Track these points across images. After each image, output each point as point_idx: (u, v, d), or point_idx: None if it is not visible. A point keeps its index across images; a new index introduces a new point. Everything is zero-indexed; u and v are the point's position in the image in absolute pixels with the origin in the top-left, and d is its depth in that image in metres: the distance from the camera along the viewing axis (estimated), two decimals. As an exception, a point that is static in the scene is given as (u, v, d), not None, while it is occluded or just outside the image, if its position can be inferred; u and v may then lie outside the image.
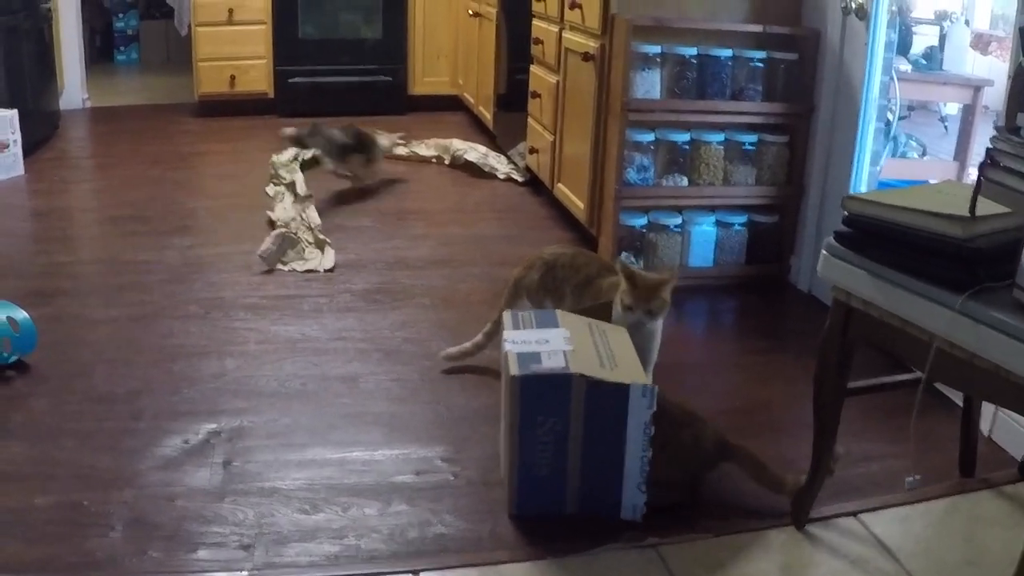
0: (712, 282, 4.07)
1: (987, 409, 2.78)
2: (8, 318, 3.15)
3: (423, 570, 2.25)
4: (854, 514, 2.49)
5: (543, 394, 2.32)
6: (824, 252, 2.20)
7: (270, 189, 5.18)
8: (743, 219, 4.07)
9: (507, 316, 2.67)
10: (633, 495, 2.38)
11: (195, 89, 7.55)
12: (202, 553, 2.28)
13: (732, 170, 4.02)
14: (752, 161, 4.02)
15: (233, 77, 7.45)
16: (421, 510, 2.46)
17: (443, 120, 7.17)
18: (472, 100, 7.12)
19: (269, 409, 2.94)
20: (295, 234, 4.29)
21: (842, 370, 2.28)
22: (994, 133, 1.99)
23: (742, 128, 4.01)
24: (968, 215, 1.90)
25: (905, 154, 5.45)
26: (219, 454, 2.68)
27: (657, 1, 3.96)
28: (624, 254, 3.97)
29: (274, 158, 5.65)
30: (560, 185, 4.72)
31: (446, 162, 6.09)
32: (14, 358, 3.16)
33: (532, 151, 5.22)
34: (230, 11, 7.34)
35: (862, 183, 3.77)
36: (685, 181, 4.00)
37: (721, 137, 3.98)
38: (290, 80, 7.55)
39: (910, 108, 6.24)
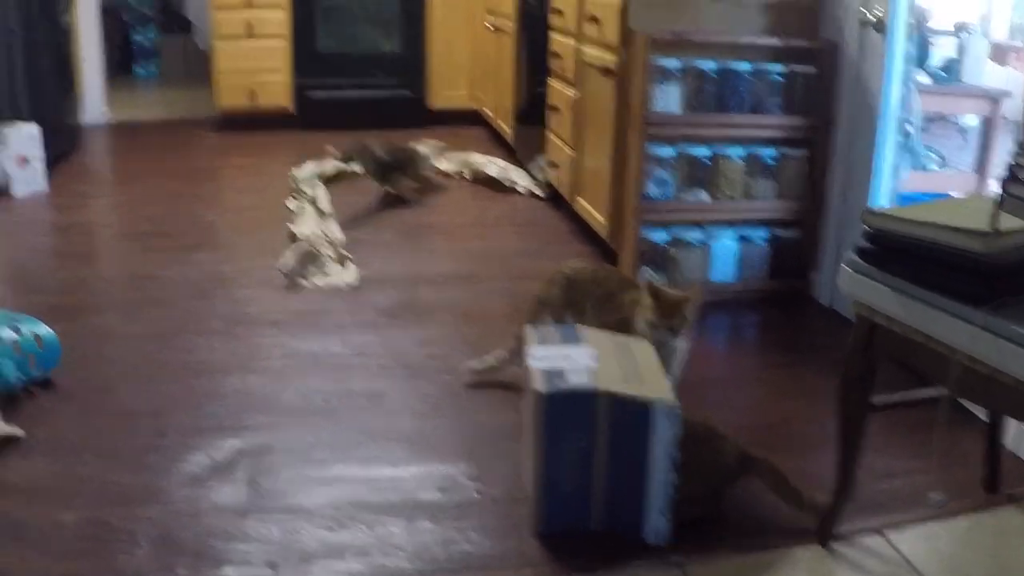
0: (734, 297, 4.06)
1: (1012, 424, 2.77)
2: (33, 334, 3.16)
3: (448, 587, 2.26)
4: (879, 531, 2.48)
5: (568, 411, 2.32)
6: (845, 267, 2.20)
7: (291, 203, 5.20)
8: (764, 233, 4.07)
9: (531, 332, 2.67)
10: (656, 519, 2.38)
11: (215, 103, 7.58)
12: (228, 570, 2.28)
13: (753, 184, 4.02)
14: (773, 175, 4.02)
15: (253, 91, 7.48)
16: (446, 528, 2.46)
17: (463, 134, 7.17)
18: (491, 114, 7.13)
19: (293, 425, 2.95)
20: (317, 249, 4.30)
21: (865, 385, 2.28)
22: (1015, 148, 1.99)
23: (762, 142, 4.00)
24: (990, 230, 1.90)
25: (925, 166, 5.44)
26: (244, 471, 2.69)
27: (675, 15, 3.96)
28: (646, 269, 3.97)
29: (295, 172, 5.67)
30: (580, 199, 4.72)
31: (466, 177, 6.10)
32: (39, 374, 3.17)
33: (552, 165, 5.22)
34: (249, 25, 7.37)
35: (882, 196, 3.77)
36: (706, 195, 3.99)
37: (741, 151, 3.98)
38: (310, 94, 7.57)
39: (929, 120, 6.22)
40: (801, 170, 4.03)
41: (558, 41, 5.05)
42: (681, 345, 2.78)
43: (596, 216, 4.44)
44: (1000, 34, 6.18)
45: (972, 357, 1.90)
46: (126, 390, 3.19)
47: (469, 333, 3.66)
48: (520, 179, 5.86)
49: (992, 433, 2.62)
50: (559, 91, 5.03)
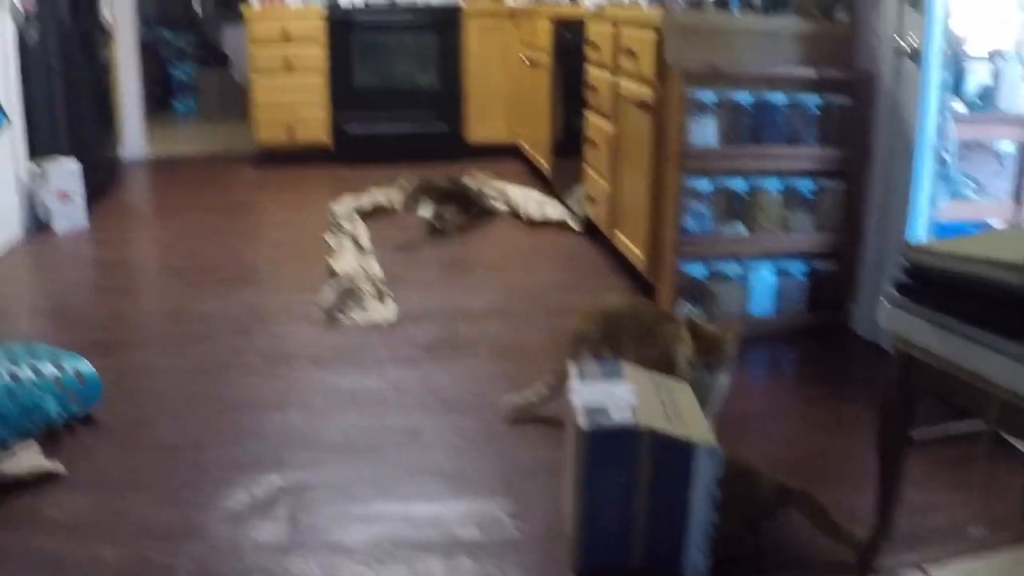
0: (773, 330, 4.04)
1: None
2: (74, 370, 3.19)
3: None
4: (918, 565, 2.45)
5: (610, 448, 2.32)
6: (885, 302, 2.19)
7: (330, 239, 5.22)
8: (802, 266, 4.05)
9: (573, 369, 2.67)
10: (695, 556, 2.37)
11: (253, 138, 7.64)
12: (269, 609, 2.29)
13: (790, 217, 4.00)
14: (810, 207, 4.01)
15: (291, 126, 7.55)
16: (485, 565, 2.45)
17: (500, 168, 7.16)
18: (528, 147, 7.16)
19: (333, 462, 2.95)
20: (356, 285, 4.32)
21: (904, 420, 2.26)
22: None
23: (799, 174, 3.99)
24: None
25: (962, 194, 5.41)
26: (284, 507, 2.70)
27: (711, 48, 3.96)
28: (685, 304, 3.96)
29: (333, 207, 5.71)
30: (618, 233, 4.72)
31: (504, 209, 6.12)
32: (80, 410, 3.20)
33: (589, 199, 5.23)
34: (287, 61, 7.44)
35: (919, 226, 3.75)
36: (744, 229, 3.99)
37: (778, 183, 3.97)
38: (347, 129, 7.63)
39: (965, 145, 6.19)
40: (838, 201, 4.02)
41: (594, 75, 5.07)
42: (722, 381, 2.77)
43: (634, 250, 4.44)
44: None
45: (1012, 391, 1.89)
46: (166, 425, 3.20)
47: (508, 368, 3.66)
48: (555, 213, 5.87)
49: (1034, 467, 2.60)
50: (596, 125, 5.04)
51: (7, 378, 2.94)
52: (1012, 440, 2.92)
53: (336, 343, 3.91)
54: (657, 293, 4.14)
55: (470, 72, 7.78)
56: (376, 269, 4.64)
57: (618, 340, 3.02)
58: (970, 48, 5.75)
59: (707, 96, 3.87)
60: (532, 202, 6.04)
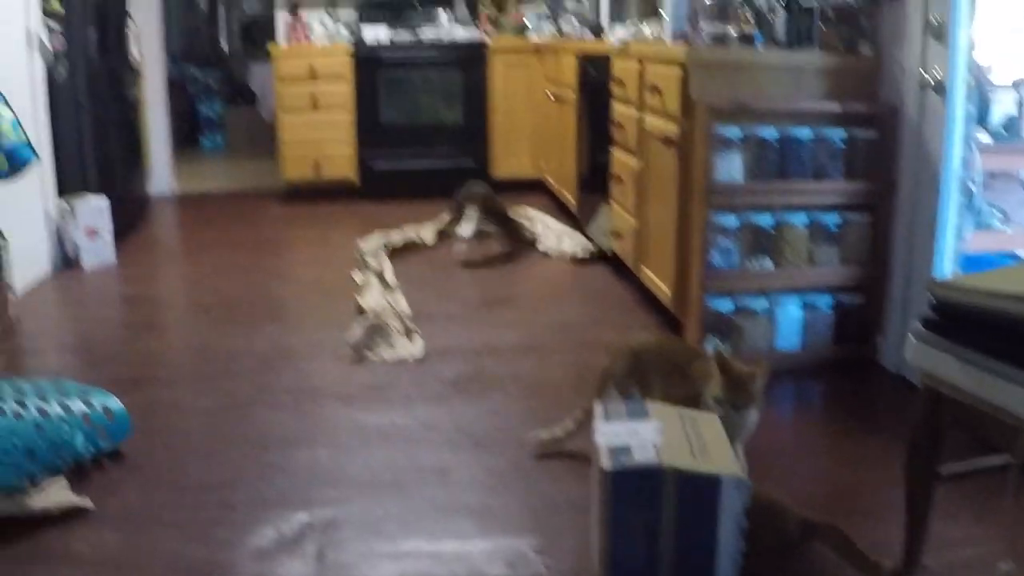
0: (799, 364, 4.02)
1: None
2: (103, 406, 3.21)
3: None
4: (948, 600, 2.45)
5: (634, 488, 2.31)
6: (912, 338, 2.19)
7: (358, 276, 5.24)
8: (829, 300, 4.04)
9: (597, 408, 2.67)
10: (725, 590, 2.36)
11: (281, 175, 7.69)
12: (298, 647, 2.29)
13: (816, 251, 4.00)
14: (836, 241, 4.00)
15: (317, 163, 7.60)
16: (514, 602, 2.46)
17: (526, 203, 7.17)
18: (554, 182, 7.18)
19: (361, 499, 2.95)
20: (384, 322, 4.33)
21: (932, 455, 2.27)
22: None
23: (825, 208, 3.99)
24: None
25: (988, 224, 5.38)
26: (311, 544, 2.69)
27: (736, 83, 3.98)
28: (711, 338, 3.96)
29: (360, 244, 5.74)
30: (645, 269, 4.72)
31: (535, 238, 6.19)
32: (108, 446, 3.21)
33: (616, 235, 5.24)
34: (314, 98, 7.49)
35: (946, 259, 3.73)
36: (770, 263, 3.98)
37: (804, 218, 3.97)
38: (373, 165, 7.66)
39: (991, 175, 6.17)
40: (864, 235, 4.01)
41: (619, 111, 5.09)
42: (751, 418, 2.76)
43: (660, 285, 4.44)
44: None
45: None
46: (194, 462, 3.21)
47: (535, 405, 3.65)
48: (571, 243, 5.94)
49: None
50: (622, 161, 5.06)
51: (36, 414, 2.96)
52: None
53: (364, 380, 3.92)
54: (684, 328, 4.14)
55: (495, 108, 7.81)
56: (403, 305, 4.66)
57: (647, 378, 3.02)
58: (994, 77, 5.74)
59: (732, 131, 3.88)
60: (551, 237, 6.09)
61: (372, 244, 5.81)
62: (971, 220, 3.96)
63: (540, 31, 8.03)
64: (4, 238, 4.56)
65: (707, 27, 4.33)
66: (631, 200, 4.89)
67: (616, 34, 5.23)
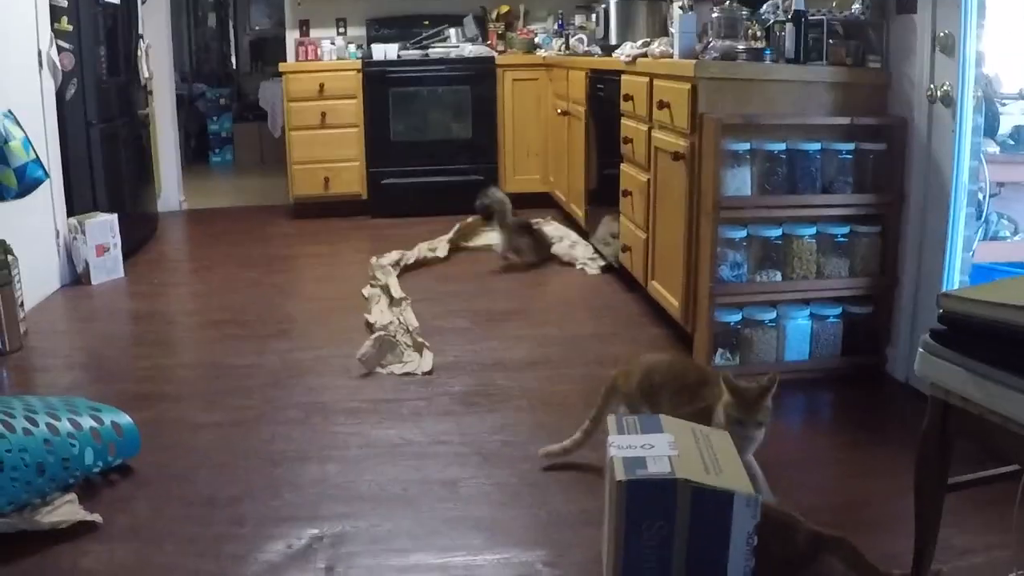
0: (808, 376, 4.02)
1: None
2: (112, 422, 3.22)
3: None
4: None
5: (648, 499, 2.31)
6: (921, 350, 2.19)
7: (367, 291, 5.25)
8: (838, 311, 4.04)
9: (611, 420, 2.66)
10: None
11: (290, 191, 7.70)
12: (308, 661, 2.29)
13: (825, 263, 4.00)
14: (845, 253, 4.00)
15: (327, 179, 7.61)
16: (524, 616, 2.45)
17: (535, 217, 7.19)
18: (563, 197, 7.19)
19: (370, 514, 2.95)
20: (394, 337, 4.34)
21: (941, 465, 2.26)
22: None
23: (833, 220, 3.99)
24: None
25: (998, 233, 5.38)
26: (322, 560, 2.69)
27: (745, 98, 3.98)
28: (720, 351, 3.96)
29: (373, 260, 5.74)
30: (654, 283, 4.72)
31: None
32: (118, 462, 3.22)
33: (625, 249, 5.23)
34: (323, 115, 7.51)
35: (956, 270, 3.72)
36: (779, 276, 3.98)
37: (813, 230, 3.97)
38: (383, 181, 7.67)
39: (1000, 185, 6.18)
40: (874, 247, 4.01)
41: (628, 126, 5.09)
42: (759, 436, 2.77)
43: (670, 300, 4.43)
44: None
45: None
46: (204, 478, 3.22)
47: (544, 419, 3.65)
48: (581, 255, 5.97)
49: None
50: (631, 176, 5.06)
51: (46, 430, 2.96)
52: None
53: (373, 394, 3.92)
54: (694, 341, 4.13)
55: (504, 123, 7.82)
56: (412, 319, 4.66)
57: (657, 395, 3.02)
58: (1004, 87, 5.74)
59: (741, 146, 3.88)
60: (565, 242, 6.14)
61: (382, 260, 5.81)
62: (980, 231, 3.96)
63: (549, 47, 8.04)
64: (14, 255, 4.57)
65: (716, 43, 4.33)
66: (641, 215, 4.88)
67: (625, 50, 5.23)
